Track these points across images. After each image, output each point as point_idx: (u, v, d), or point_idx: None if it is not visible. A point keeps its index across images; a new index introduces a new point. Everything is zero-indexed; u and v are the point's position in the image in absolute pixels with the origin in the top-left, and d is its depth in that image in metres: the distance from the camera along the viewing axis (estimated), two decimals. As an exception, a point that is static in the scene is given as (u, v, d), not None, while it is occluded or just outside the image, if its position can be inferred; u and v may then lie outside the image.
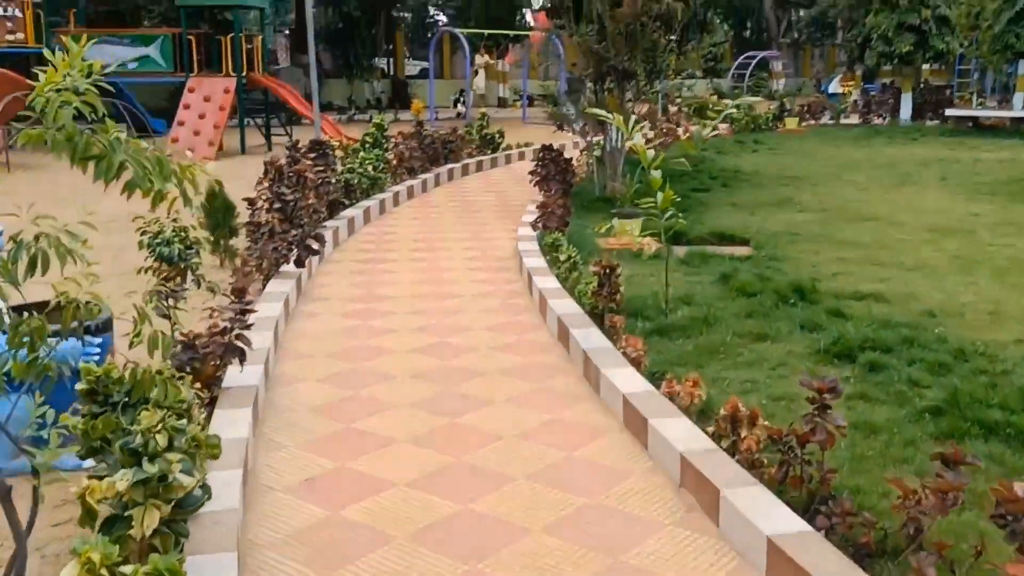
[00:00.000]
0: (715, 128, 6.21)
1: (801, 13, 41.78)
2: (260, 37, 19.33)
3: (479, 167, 15.73)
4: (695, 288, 7.12)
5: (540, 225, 8.57)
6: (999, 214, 10.94)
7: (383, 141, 13.03)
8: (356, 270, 8.17)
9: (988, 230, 10.01)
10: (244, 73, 18.56)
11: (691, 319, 6.09)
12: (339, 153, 11.47)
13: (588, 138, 11.98)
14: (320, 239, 7.39)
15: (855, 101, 26.54)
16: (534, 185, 11.23)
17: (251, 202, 7.23)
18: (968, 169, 14.89)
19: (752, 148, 18.56)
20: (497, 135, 16.81)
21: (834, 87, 28.91)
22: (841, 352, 5.45)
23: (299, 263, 7.01)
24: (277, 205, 7.99)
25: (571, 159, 11.73)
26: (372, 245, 9.32)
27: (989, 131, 20.49)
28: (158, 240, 5.49)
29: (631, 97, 11.01)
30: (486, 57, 30.89)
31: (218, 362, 4.53)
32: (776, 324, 6.08)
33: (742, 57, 35.43)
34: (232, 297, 4.53)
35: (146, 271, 5.49)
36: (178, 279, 5.69)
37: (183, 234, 5.65)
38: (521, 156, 17.59)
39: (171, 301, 4.43)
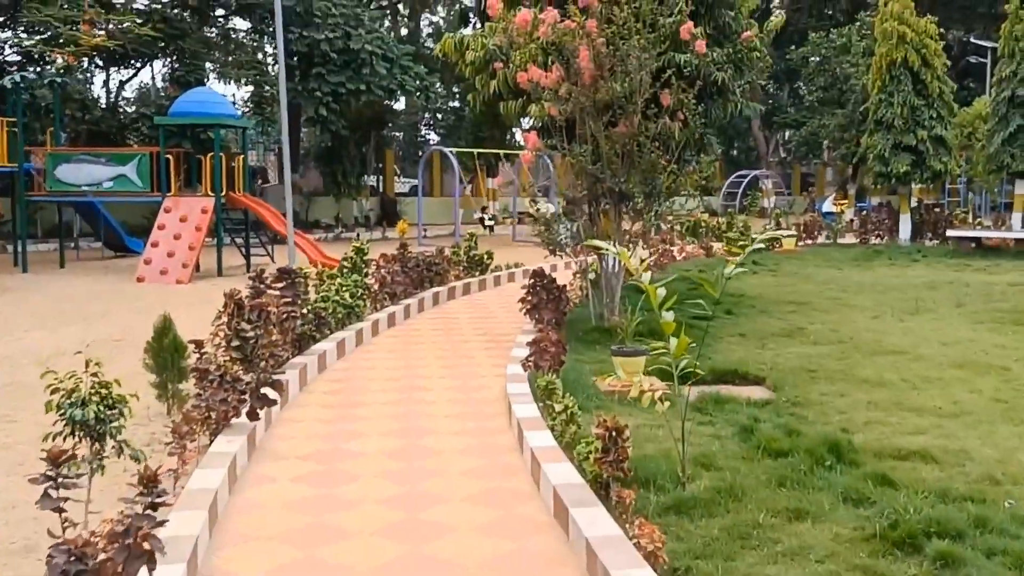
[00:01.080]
0: (740, 265, 5.32)
1: (787, 134, 42.08)
2: (242, 156, 18.74)
3: (466, 290, 14.90)
4: (713, 445, 6.16)
5: (531, 364, 7.63)
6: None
7: (362, 266, 12.19)
8: (322, 418, 7.17)
9: (1022, 364, 9.14)
10: (224, 192, 17.90)
11: (714, 491, 5.10)
12: (312, 281, 10.60)
13: (581, 261, 11.18)
14: (278, 386, 6.42)
15: (851, 220, 26.10)
16: (524, 314, 10.36)
17: (199, 344, 6.29)
18: (981, 294, 14.12)
19: (752, 269, 17.83)
20: (486, 256, 16.05)
21: (827, 206, 28.59)
22: (901, 539, 4.45)
23: (252, 415, 6.02)
24: (235, 343, 7.06)
25: (564, 286, 10.89)
26: (343, 386, 8.34)
27: (992, 252, 19.90)
28: (71, 401, 4.53)
29: (628, 219, 10.25)
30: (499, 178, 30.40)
31: (120, 571, 3.50)
32: (814, 495, 5.09)
33: (734, 176, 35.33)
34: (140, 487, 3.54)
35: (54, 438, 4.50)
36: (95, 446, 4.70)
37: (104, 391, 4.69)
38: (511, 277, 16.80)
39: (60, 491, 3.43)
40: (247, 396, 5.98)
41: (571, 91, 9.70)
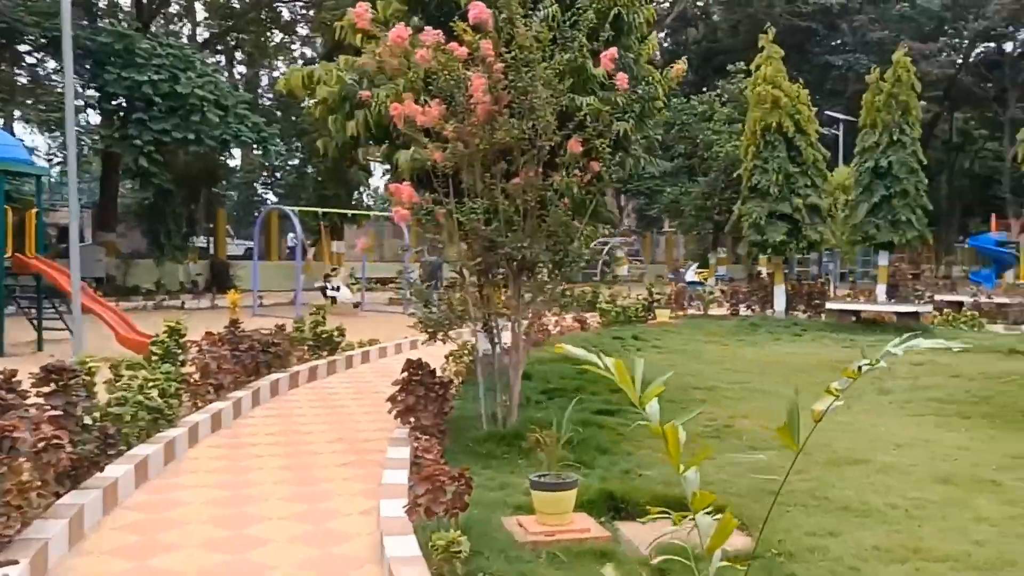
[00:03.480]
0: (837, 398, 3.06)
1: (642, 201, 41.51)
2: (34, 211, 15.45)
3: (312, 375, 12.29)
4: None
5: (421, 508, 5.24)
6: (994, 447, 8.53)
7: (178, 351, 9.47)
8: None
9: (1005, 474, 7.53)
10: (9, 255, 14.62)
11: None
12: (103, 376, 7.86)
13: (466, 341, 8.91)
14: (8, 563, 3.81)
15: (723, 291, 25.03)
16: (395, 416, 7.96)
17: None
18: (897, 377, 12.68)
19: (635, 346, 16.06)
20: (336, 333, 13.51)
21: (691, 275, 27.64)
22: None
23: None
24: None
25: (449, 381, 8.54)
26: (137, 538, 5.69)
27: (873, 326, 18.97)
28: None
29: (530, 292, 8.08)
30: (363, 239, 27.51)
31: None
32: None
33: (595, 242, 34.03)
34: None
35: None
36: None
37: None
38: (365, 358, 14.32)
39: None
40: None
41: (459, 131, 7.54)
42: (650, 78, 10.24)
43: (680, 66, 10.77)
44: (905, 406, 10.62)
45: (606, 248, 31.85)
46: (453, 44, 7.61)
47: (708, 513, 6.37)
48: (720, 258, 34.26)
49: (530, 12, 8.25)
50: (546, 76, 7.69)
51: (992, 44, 50.55)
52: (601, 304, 19.90)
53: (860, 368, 2.87)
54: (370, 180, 40.61)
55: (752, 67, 21.35)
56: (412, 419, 7.67)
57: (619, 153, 10.06)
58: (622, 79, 7.80)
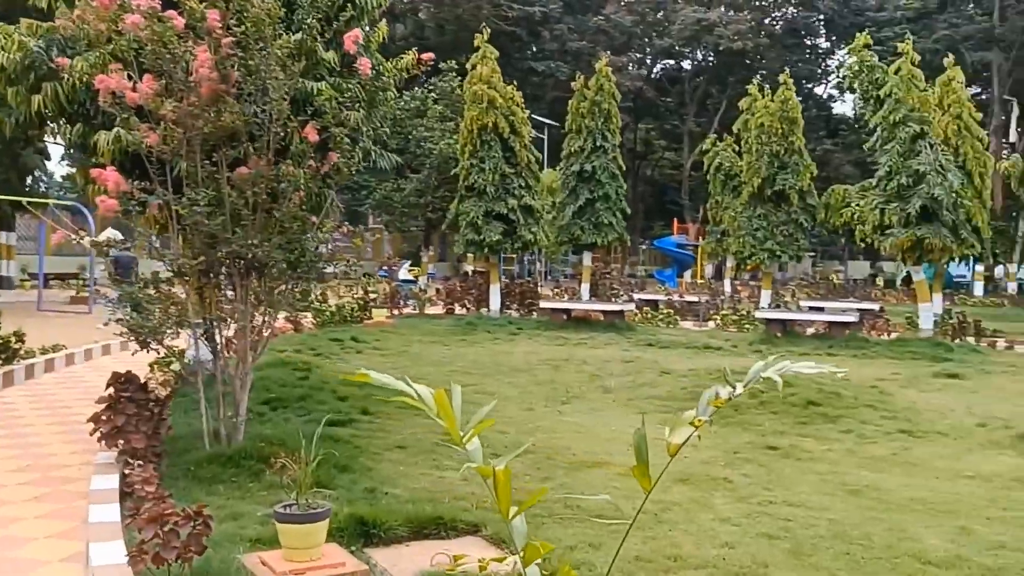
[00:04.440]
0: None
1: (347, 196, 40.72)
2: None
3: (-15, 389, 10.53)
4: None
5: (148, 555, 4.38)
6: (717, 443, 8.91)
7: None
8: None
9: (733, 470, 7.86)
10: None
11: None
12: None
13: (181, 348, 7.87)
14: None
15: (438, 291, 24.97)
16: (99, 439, 6.86)
17: None
18: (614, 375, 13.08)
19: (355, 348, 15.47)
20: (14, 339, 11.70)
21: (403, 274, 27.32)
22: None
23: None
24: None
25: (166, 397, 7.48)
26: None
27: (583, 324, 19.69)
28: None
29: (260, 294, 7.28)
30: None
31: None
32: None
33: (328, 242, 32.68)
34: None
35: None
36: None
37: None
38: (50, 366, 12.58)
39: None
40: None
41: (179, 111, 6.61)
42: (380, 67, 9.75)
43: (410, 57, 10.34)
44: (629, 404, 10.93)
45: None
46: (172, 12, 6.67)
47: (463, 530, 5.96)
48: (430, 255, 34.40)
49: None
50: (280, 56, 6.95)
51: (672, 61, 55.15)
52: (314, 303, 19.03)
53: (729, 396, 2.57)
54: (47, 164, 36.52)
55: (468, 66, 21.44)
56: (121, 442, 6.62)
57: (357, 145, 9.51)
58: (364, 64, 7.24)
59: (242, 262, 6.98)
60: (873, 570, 5.47)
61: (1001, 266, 37.16)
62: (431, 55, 9.18)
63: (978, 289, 35.24)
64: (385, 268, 26.27)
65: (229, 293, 7.41)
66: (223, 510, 5.94)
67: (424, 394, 2.76)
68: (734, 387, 2.60)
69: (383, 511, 6.01)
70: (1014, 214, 34.70)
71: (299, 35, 7.78)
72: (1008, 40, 42.27)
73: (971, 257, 24.62)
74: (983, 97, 41.19)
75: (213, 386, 7.43)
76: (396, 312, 21.52)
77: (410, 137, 26.74)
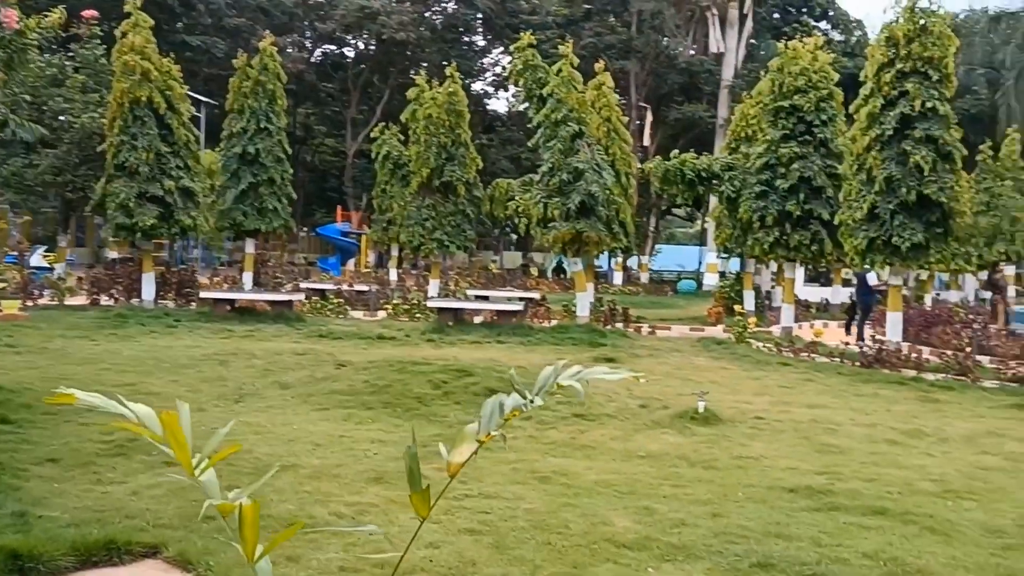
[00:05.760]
0: None
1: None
2: None
3: None
4: None
5: None
6: (402, 437, 8.75)
7: None
8: None
9: (425, 463, 7.69)
10: None
11: None
12: None
13: None
14: None
15: (81, 278, 22.50)
16: None
17: None
18: (289, 369, 12.45)
19: (-18, 346, 13.43)
20: None
21: (37, 260, 24.28)
22: None
23: None
24: None
25: None
26: None
27: (248, 315, 18.69)
28: None
29: None
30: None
31: None
32: None
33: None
34: None
35: None
36: None
37: None
38: None
39: None
40: None
41: None
42: (22, 22, 8.46)
43: (56, 16, 9.10)
44: (309, 400, 10.45)
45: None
46: None
47: (140, 554, 5.29)
48: (68, 240, 31.07)
49: None
50: None
51: (335, 47, 54.43)
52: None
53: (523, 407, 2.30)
54: None
55: (117, 33, 19.47)
56: None
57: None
58: (11, 16, 6.13)
59: None
60: (574, 558, 5.55)
61: (635, 257, 40.90)
62: (94, 12, 8.08)
63: (618, 279, 38.51)
64: (15, 254, 23.24)
65: None
66: None
67: (144, 415, 2.25)
68: (527, 396, 2.36)
69: (40, 540, 5.13)
70: (647, 211, 38.34)
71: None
72: (643, 52, 46.50)
73: (615, 249, 26.71)
74: (623, 102, 45.09)
75: None
76: (30, 303, 19.12)
77: (44, 108, 23.78)
